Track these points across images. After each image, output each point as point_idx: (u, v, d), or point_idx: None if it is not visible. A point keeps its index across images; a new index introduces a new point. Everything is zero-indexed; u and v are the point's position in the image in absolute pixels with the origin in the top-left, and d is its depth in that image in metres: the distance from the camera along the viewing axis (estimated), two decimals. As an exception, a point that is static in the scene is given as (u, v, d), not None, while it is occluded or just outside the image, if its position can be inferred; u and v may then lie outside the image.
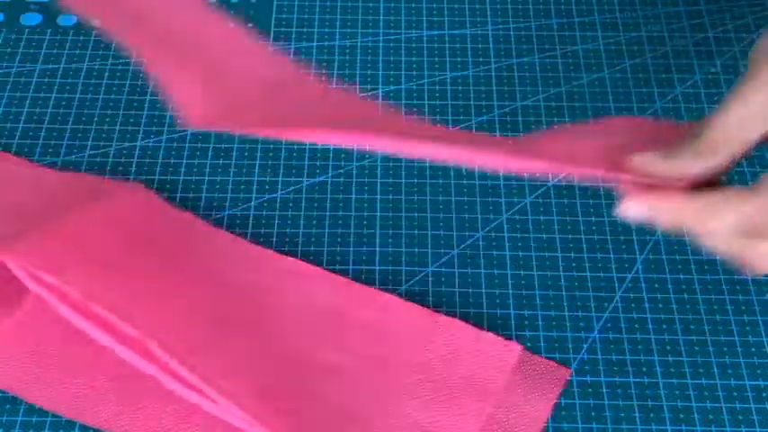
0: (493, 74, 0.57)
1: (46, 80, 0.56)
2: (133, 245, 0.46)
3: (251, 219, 0.50)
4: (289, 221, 0.50)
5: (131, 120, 0.54)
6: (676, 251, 0.49)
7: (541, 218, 0.50)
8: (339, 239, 0.49)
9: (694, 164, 0.38)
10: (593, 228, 0.50)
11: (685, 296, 0.47)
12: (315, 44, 0.59)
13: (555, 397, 0.44)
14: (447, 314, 0.46)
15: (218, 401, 0.40)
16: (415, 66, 0.57)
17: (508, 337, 0.46)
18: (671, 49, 0.57)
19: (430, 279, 0.48)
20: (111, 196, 0.48)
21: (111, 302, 0.42)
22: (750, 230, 0.40)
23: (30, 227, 0.45)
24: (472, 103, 0.56)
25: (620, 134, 0.41)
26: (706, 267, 0.49)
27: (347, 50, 0.58)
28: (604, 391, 0.44)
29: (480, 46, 0.58)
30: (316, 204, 0.51)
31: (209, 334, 0.44)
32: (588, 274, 0.48)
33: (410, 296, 0.47)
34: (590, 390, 0.44)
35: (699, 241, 0.40)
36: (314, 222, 0.50)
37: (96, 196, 0.48)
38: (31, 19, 0.60)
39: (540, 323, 0.46)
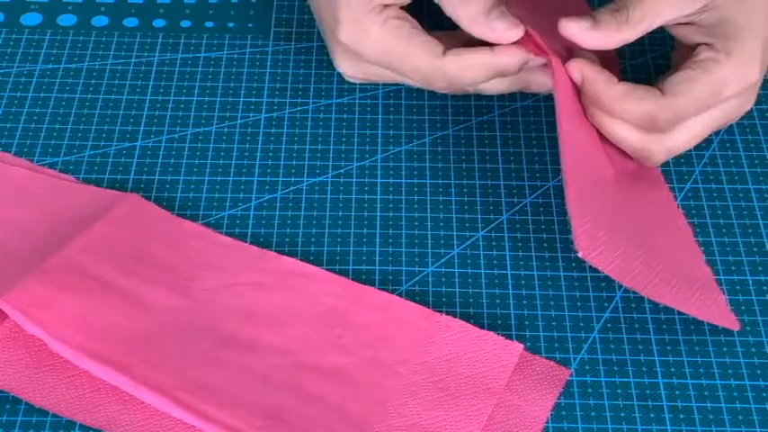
0: (493, 74, 0.57)
1: (46, 80, 0.56)
2: (130, 262, 0.47)
3: (251, 219, 0.50)
4: (289, 221, 0.50)
5: (131, 120, 0.54)
6: (676, 251, 0.49)
7: (541, 218, 0.50)
8: (339, 239, 0.49)
9: (616, 35, 0.46)
10: (594, 228, 0.50)
11: (685, 296, 0.47)
12: (315, 44, 0.59)
13: (555, 397, 0.44)
14: (447, 314, 0.46)
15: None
16: (415, 66, 0.57)
17: (508, 337, 0.46)
18: (671, 49, 0.57)
19: (430, 279, 0.48)
20: (106, 212, 0.48)
21: (101, 345, 0.43)
22: (651, 125, 0.47)
23: (21, 262, 0.46)
24: (472, 102, 0.56)
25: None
26: (706, 267, 0.49)
27: (347, 50, 0.58)
28: (604, 391, 0.44)
29: (480, 46, 0.58)
30: (316, 204, 0.51)
31: (207, 351, 0.44)
32: (588, 274, 0.48)
33: (410, 296, 0.47)
34: (590, 390, 0.44)
35: (605, 128, 0.48)
36: (314, 222, 0.50)
37: (91, 214, 0.48)
38: (31, 19, 0.60)
39: (540, 323, 0.46)
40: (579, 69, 0.47)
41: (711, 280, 0.47)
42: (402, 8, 0.50)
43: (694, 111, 0.47)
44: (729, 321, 0.46)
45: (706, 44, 0.48)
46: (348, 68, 0.53)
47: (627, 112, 0.47)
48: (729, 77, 0.47)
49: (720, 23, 0.47)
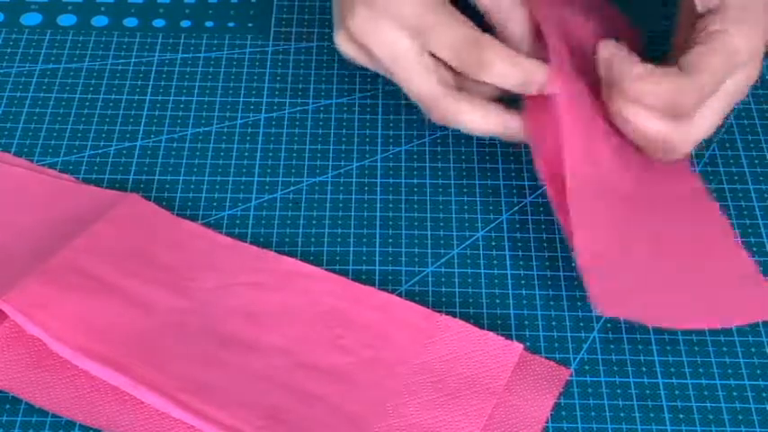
0: (493, 74, 0.57)
1: (46, 80, 0.56)
2: (130, 262, 0.46)
3: (251, 219, 0.50)
4: (289, 221, 0.50)
5: (131, 120, 0.54)
6: (676, 251, 0.49)
7: (542, 217, 0.50)
8: (339, 239, 0.49)
9: None
10: (593, 228, 0.50)
11: (685, 296, 0.47)
12: (315, 44, 0.59)
13: (555, 397, 0.44)
14: (447, 314, 0.46)
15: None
16: (415, 66, 0.57)
17: (508, 337, 0.46)
18: (668, 51, 0.57)
19: (430, 279, 0.48)
20: (106, 212, 0.48)
21: (98, 346, 0.43)
22: (675, 108, 0.46)
23: (21, 262, 0.46)
24: (472, 103, 0.56)
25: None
26: (706, 267, 0.48)
27: (347, 50, 0.58)
28: (604, 391, 0.44)
29: (480, 46, 0.58)
30: (316, 204, 0.51)
31: (208, 352, 0.44)
32: (588, 274, 0.48)
33: (410, 296, 0.47)
34: (590, 390, 0.44)
35: (629, 118, 0.47)
36: (314, 222, 0.50)
37: (91, 214, 0.48)
38: (31, 19, 0.60)
39: (540, 323, 0.46)
40: (608, 49, 0.47)
41: (757, 274, 0.46)
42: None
43: (714, 85, 0.47)
44: None
45: (713, 13, 0.47)
46: (346, 47, 0.50)
47: (651, 94, 0.46)
48: (741, 45, 0.47)
49: None
